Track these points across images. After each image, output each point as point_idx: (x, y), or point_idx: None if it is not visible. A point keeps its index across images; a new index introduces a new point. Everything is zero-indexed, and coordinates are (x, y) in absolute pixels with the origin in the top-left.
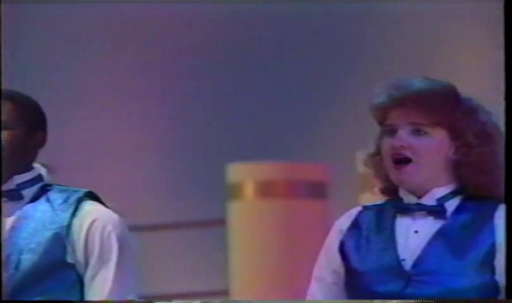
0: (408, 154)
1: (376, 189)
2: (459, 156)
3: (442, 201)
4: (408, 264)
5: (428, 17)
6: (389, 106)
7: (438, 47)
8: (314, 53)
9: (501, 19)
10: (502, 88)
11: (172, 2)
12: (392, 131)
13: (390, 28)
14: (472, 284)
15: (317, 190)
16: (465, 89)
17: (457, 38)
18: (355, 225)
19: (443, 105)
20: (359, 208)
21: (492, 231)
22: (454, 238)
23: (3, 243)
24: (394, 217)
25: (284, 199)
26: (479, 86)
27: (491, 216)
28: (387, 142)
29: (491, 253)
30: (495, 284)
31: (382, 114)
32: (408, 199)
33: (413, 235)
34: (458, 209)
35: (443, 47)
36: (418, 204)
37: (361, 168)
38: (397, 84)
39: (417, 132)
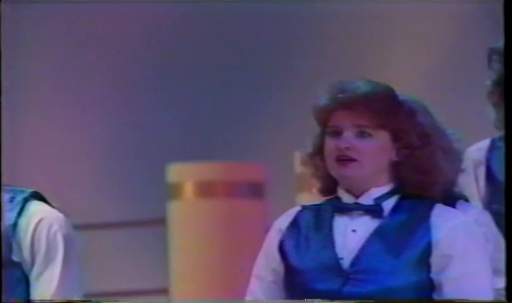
0: (353, 155)
1: (314, 189)
2: (401, 157)
3: (379, 200)
4: (345, 263)
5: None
6: (334, 108)
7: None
8: (252, 54)
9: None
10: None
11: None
12: (336, 133)
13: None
14: (409, 282)
15: (256, 190)
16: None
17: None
18: (294, 224)
19: (386, 108)
20: (298, 208)
21: (428, 229)
22: (391, 237)
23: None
24: (333, 216)
25: (223, 199)
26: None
27: (427, 215)
28: (332, 143)
29: (427, 251)
30: (431, 281)
31: (325, 115)
32: (346, 198)
33: (351, 234)
34: (395, 209)
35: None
36: (356, 203)
37: (298, 168)
38: (342, 87)
39: (362, 134)
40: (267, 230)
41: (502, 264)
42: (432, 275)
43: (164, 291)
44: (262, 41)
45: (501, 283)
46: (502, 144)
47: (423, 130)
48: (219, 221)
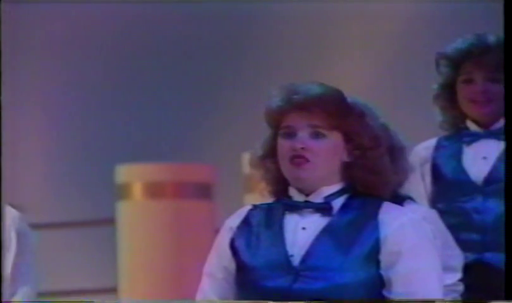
0: (308, 156)
1: (265, 191)
2: (352, 158)
3: (329, 198)
4: (296, 260)
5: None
6: (287, 110)
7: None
8: (200, 54)
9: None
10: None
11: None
12: (291, 133)
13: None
14: (358, 279)
15: (204, 191)
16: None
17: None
18: (245, 222)
19: (339, 109)
20: (249, 206)
21: (376, 227)
22: (340, 235)
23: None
24: (283, 214)
25: (171, 200)
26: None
27: (375, 213)
28: (286, 144)
29: (376, 248)
30: (381, 278)
31: (278, 117)
32: (297, 197)
33: (301, 232)
34: (344, 207)
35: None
36: (306, 201)
37: (247, 169)
38: (295, 89)
39: (316, 134)
40: (215, 230)
41: (452, 261)
42: (381, 271)
43: (112, 290)
44: (209, 41)
45: (451, 279)
46: (447, 143)
47: (374, 131)
48: (167, 221)
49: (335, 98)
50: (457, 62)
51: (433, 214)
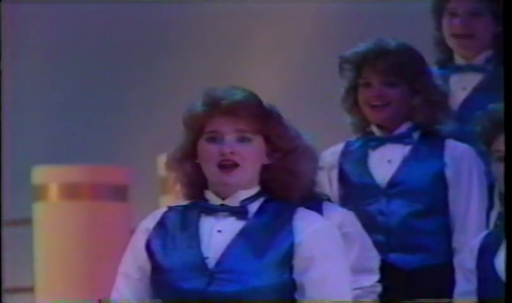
0: (236, 159)
1: (180, 193)
2: (272, 161)
3: (245, 202)
4: (211, 262)
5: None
6: (212, 114)
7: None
8: (116, 55)
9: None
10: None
11: None
12: (217, 138)
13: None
14: (272, 282)
15: (119, 193)
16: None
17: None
18: (161, 224)
19: (261, 113)
20: (165, 208)
21: (290, 232)
22: (255, 239)
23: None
24: (199, 217)
25: (87, 201)
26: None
27: (290, 218)
28: (213, 149)
29: (289, 253)
30: (293, 282)
31: (202, 121)
32: (213, 200)
33: (216, 235)
34: (260, 211)
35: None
36: (222, 205)
37: (162, 171)
38: (219, 94)
39: (242, 139)
40: (131, 231)
41: (369, 263)
42: (294, 276)
43: (29, 290)
44: (125, 43)
45: (369, 281)
46: (354, 148)
47: (292, 134)
48: (83, 222)
49: (257, 102)
50: (358, 66)
51: (352, 216)
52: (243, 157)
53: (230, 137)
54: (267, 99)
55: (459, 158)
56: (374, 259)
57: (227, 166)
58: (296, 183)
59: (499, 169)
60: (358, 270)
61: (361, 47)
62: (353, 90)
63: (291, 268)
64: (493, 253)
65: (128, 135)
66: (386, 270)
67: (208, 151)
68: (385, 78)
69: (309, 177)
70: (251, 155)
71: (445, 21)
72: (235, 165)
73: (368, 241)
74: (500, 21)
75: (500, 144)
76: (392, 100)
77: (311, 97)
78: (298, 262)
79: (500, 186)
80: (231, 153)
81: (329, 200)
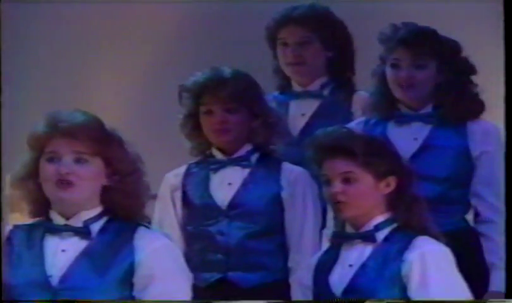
0: (72, 179)
1: (25, 211)
2: (112, 182)
3: (88, 222)
4: (55, 280)
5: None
6: (52, 136)
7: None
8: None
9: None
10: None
11: None
12: (55, 158)
13: None
14: (113, 299)
15: None
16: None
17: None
18: (7, 242)
19: (101, 136)
20: (10, 227)
21: (131, 251)
22: (98, 257)
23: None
24: (44, 236)
25: None
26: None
27: (131, 237)
28: (51, 168)
29: (130, 271)
30: (134, 299)
31: (43, 142)
32: (58, 220)
33: (60, 254)
34: (102, 230)
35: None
36: (65, 225)
37: (8, 190)
38: (60, 116)
39: (79, 160)
40: None
41: None
42: (135, 293)
43: None
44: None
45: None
46: (196, 170)
47: (131, 157)
48: None
49: (96, 126)
50: (197, 95)
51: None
52: (79, 177)
53: (67, 158)
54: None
55: (294, 181)
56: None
57: (63, 183)
58: (135, 204)
59: (327, 191)
60: None
61: (200, 76)
62: (192, 117)
63: (131, 286)
64: (328, 270)
65: None
66: (226, 288)
67: (47, 171)
68: (226, 105)
69: (147, 199)
70: (88, 176)
71: (278, 51)
72: (71, 183)
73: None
74: (330, 47)
75: (326, 169)
76: (233, 125)
77: (154, 118)
78: (138, 280)
79: (331, 205)
80: (67, 173)
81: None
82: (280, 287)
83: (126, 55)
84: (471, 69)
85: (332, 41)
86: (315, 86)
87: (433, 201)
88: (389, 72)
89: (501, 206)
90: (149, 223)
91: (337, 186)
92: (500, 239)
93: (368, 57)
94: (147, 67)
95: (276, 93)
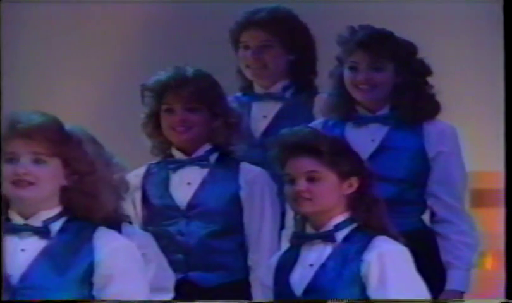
0: (30, 179)
1: None
2: (70, 182)
3: (47, 222)
4: (14, 280)
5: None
6: (11, 137)
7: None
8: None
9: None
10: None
11: None
12: (14, 159)
13: None
14: (73, 298)
15: None
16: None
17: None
18: None
19: (58, 137)
20: None
21: (91, 250)
22: (57, 257)
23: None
24: (2, 236)
25: None
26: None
27: (90, 237)
28: (9, 169)
29: (89, 271)
30: (93, 298)
31: (3, 143)
32: (16, 219)
33: (20, 253)
34: (62, 230)
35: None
36: (25, 224)
37: None
38: (18, 118)
39: (37, 161)
40: None
41: (165, 282)
42: (94, 292)
43: None
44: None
45: (164, 298)
46: (156, 170)
47: (90, 157)
48: None
49: (54, 127)
50: (159, 94)
51: (149, 237)
52: (37, 177)
53: (25, 158)
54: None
55: (252, 181)
56: (169, 279)
57: (20, 182)
58: (94, 204)
59: (290, 190)
60: (154, 289)
61: (163, 75)
62: (153, 116)
63: (91, 285)
64: (289, 270)
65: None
66: (186, 288)
67: (5, 171)
68: (187, 104)
69: (109, 199)
70: (46, 176)
71: (240, 53)
72: (28, 183)
73: (164, 261)
74: (291, 50)
75: (290, 168)
76: (194, 124)
77: (116, 118)
78: (97, 280)
79: (294, 204)
80: (24, 173)
81: (130, 222)
82: (241, 286)
83: (88, 55)
84: (427, 71)
85: (294, 44)
86: (276, 88)
87: (390, 201)
88: (347, 74)
89: (457, 205)
90: (130, 222)
91: (302, 184)
92: (456, 238)
93: (332, 59)
94: (111, 67)
95: (239, 94)
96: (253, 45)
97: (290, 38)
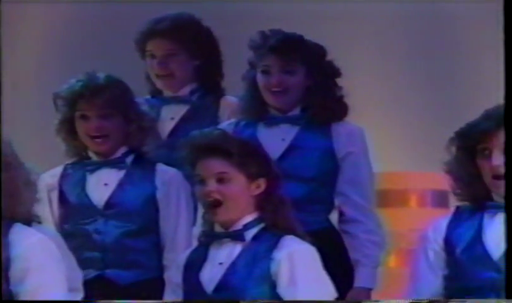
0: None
1: None
2: None
3: None
4: None
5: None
6: None
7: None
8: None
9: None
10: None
11: None
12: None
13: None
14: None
15: None
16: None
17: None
18: None
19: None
20: None
21: (6, 246)
22: None
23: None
24: None
25: None
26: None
27: (6, 233)
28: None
29: (6, 266)
30: (10, 294)
31: None
32: None
33: None
34: None
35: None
36: None
37: None
38: None
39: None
40: None
41: (75, 283)
42: (11, 287)
43: None
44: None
45: (75, 298)
46: (72, 171)
47: (6, 158)
48: None
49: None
50: (73, 101)
51: (60, 239)
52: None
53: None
54: None
55: (168, 182)
56: (79, 279)
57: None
58: (8, 203)
59: (200, 190)
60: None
61: (75, 84)
62: (67, 122)
63: (7, 280)
64: (198, 268)
65: None
66: (103, 285)
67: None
68: (101, 111)
69: (27, 198)
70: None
71: (147, 62)
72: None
73: (74, 262)
74: (196, 56)
75: (200, 169)
76: (110, 132)
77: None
78: (14, 274)
79: (204, 204)
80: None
81: (39, 222)
82: (156, 284)
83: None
84: (336, 72)
85: (198, 49)
86: (184, 92)
87: (299, 200)
88: (259, 78)
89: (365, 204)
90: (39, 222)
91: (212, 185)
92: (365, 237)
93: (240, 60)
94: (21, 69)
95: (149, 96)
96: (159, 55)
97: (194, 43)
